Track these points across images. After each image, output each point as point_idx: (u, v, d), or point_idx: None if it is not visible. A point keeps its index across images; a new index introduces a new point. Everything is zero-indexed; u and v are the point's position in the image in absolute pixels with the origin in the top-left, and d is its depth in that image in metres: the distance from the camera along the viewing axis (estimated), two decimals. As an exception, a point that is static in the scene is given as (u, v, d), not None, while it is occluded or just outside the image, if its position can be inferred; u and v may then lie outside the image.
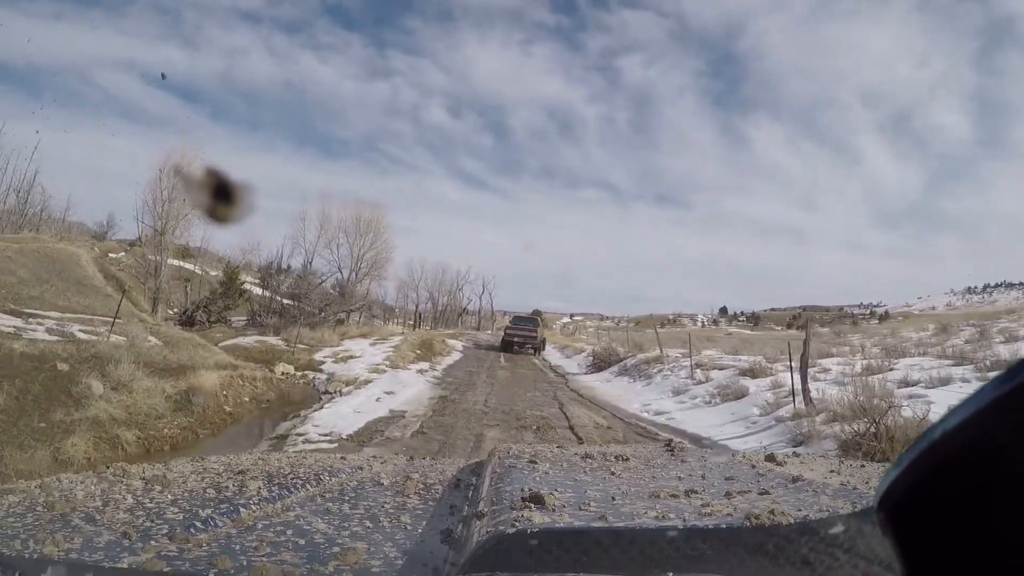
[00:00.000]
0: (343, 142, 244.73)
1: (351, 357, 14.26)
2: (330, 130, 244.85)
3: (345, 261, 28.99)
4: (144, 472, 1.42)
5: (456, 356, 18.16)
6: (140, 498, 1.15)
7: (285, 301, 20.54)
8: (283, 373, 11.80)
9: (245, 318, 20.82)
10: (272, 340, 16.10)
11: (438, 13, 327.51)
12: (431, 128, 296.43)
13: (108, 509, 1.05)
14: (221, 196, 1.09)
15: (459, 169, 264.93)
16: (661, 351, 14.98)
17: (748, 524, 0.79)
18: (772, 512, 0.83)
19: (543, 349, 22.56)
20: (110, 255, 26.86)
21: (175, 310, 22.38)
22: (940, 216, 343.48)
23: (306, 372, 12.56)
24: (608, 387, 13.55)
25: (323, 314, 19.83)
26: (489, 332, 37.12)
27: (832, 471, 1.42)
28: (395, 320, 37.91)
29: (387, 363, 13.43)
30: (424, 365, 14.56)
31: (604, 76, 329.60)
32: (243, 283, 22.34)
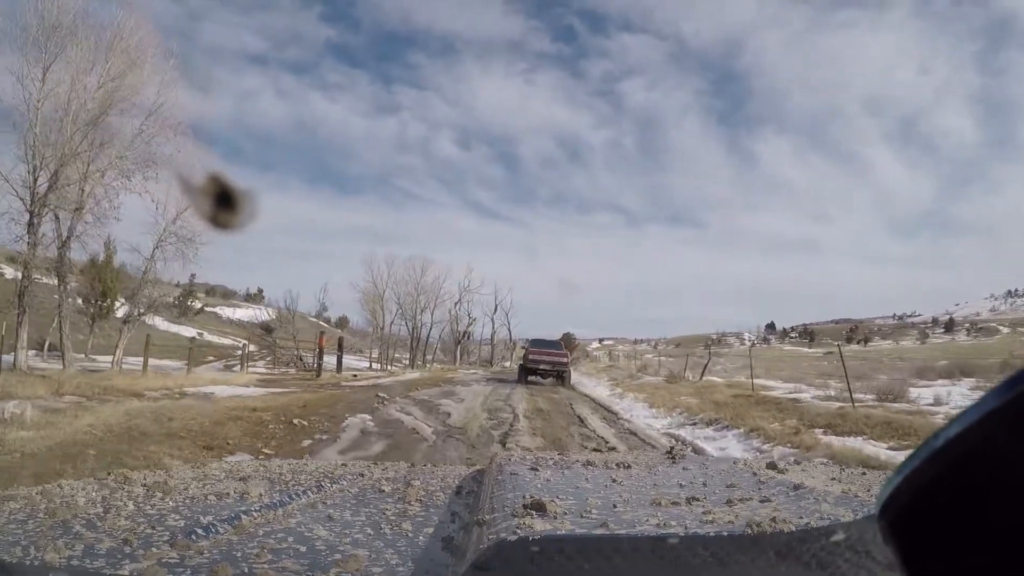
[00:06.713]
0: (356, 178, 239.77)
1: None
2: (343, 167, 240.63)
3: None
4: (145, 479, 1.42)
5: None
6: (141, 505, 1.15)
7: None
8: None
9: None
10: None
11: (440, 48, 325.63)
12: (442, 161, 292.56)
13: (109, 516, 1.05)
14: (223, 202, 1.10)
15: (472, 200, 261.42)
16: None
17: (750, 532, 0.79)
18: (774, 520, 0.83)
19: (569, 380, 20.33)
20: None
21: None
22: (956, 222, 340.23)
23: None
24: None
25: None
26: (508, 363, 26.73)
27: (833, 479, 1.42)
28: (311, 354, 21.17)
29: None
30: None
31: (608, 101, 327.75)
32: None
